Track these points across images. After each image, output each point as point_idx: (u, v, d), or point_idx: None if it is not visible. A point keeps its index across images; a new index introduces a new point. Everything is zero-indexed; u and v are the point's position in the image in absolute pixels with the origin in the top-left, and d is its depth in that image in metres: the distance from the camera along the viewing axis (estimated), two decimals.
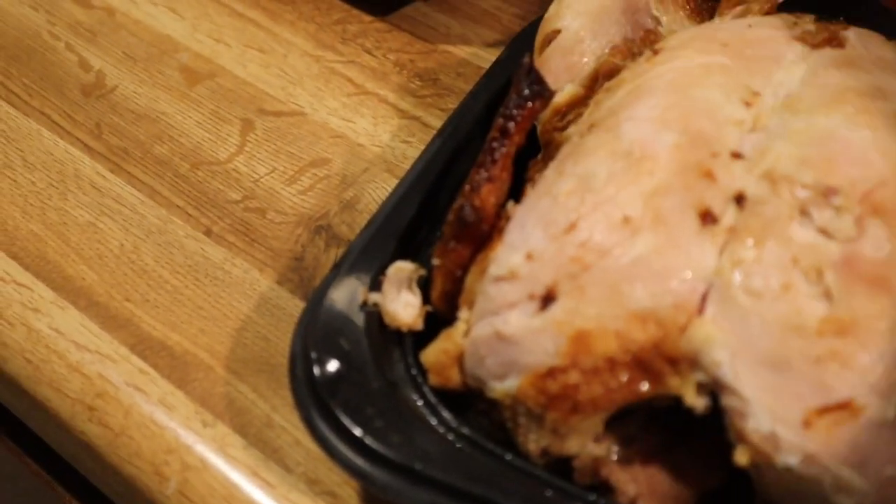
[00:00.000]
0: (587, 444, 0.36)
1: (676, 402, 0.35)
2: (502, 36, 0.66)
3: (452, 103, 0.59)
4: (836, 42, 0.41)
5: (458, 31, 0.66)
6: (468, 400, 0.39)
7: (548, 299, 0.34)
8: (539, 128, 0.45)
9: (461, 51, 0.65)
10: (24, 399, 0.47)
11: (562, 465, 0.37)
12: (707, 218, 0.34)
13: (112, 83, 0.60)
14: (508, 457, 0.36)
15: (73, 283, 0.49)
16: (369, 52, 0.64)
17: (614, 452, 0.37)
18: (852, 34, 0.41)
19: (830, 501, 0.31)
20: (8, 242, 0.50)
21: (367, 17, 0.66)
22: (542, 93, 0.39)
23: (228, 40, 0.63)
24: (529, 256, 0.35)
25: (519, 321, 0.35)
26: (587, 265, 0.34)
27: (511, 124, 0.38)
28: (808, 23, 0.42)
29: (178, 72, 0.61)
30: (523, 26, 0.62)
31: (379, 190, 0.54)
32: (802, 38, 0.41)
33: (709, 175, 0.35)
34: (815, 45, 0.41)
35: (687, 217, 0.34)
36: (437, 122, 0.58)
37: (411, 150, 0.56)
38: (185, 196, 0.53)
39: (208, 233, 0.52)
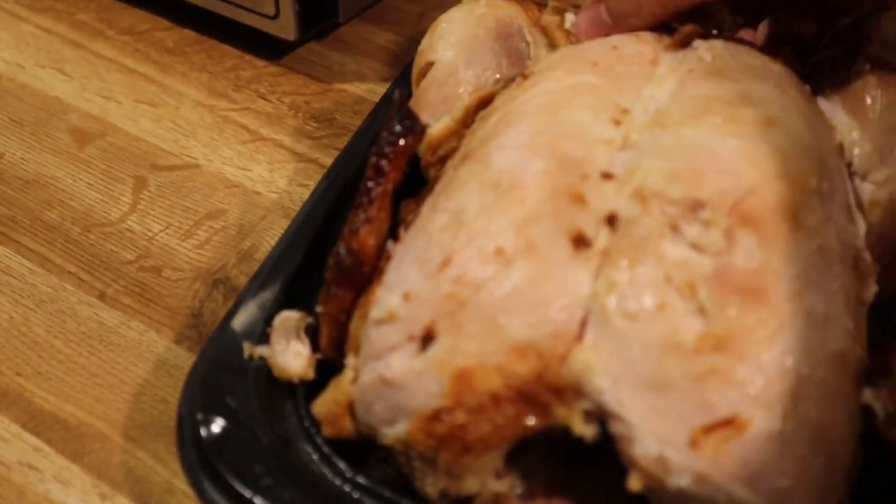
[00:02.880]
0: (487, 481, 0.35)
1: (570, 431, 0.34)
2: (398, 70, 0.65)
3: None
4: (696, 37, 0.41)
5: (353, 68, 0.66)
6: (368, 448, 0.38)
7: (427, 339, 0.34)
8: (422, 163, 0.44)
9: (357, 88, 0.64)
10: None
11: None
12: (580, 242, 0.34)
13: None
14: (405, 502, 0.35)
15: None
16: (263, 98, 0.63)
17: (517, 487, 0.36)
18: (719, 43, 0.41)
19: None
20: None
21: (261, 62, 0.66)
22: (414, 128, 0.38)
23: (119, 97, 0.62)
24: (407, 297, 0.34)
25: (401, 364, 0.34)
26: (463, 301, 0.33)
27: (384, 162, 0.38)
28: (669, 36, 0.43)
29: (67, 134, 0.60)
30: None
31: (277, 237, 0.52)
32: (669, 46, 0.41)
33: (579, 198, 0.34)
34: (678, 44, 0.40)
35: (559, 243, 0.33)
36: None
37: (308, 194, 0.55)
38: (77, 261, 0.52)
39: (102, 297, 0.50)
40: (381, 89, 0.63)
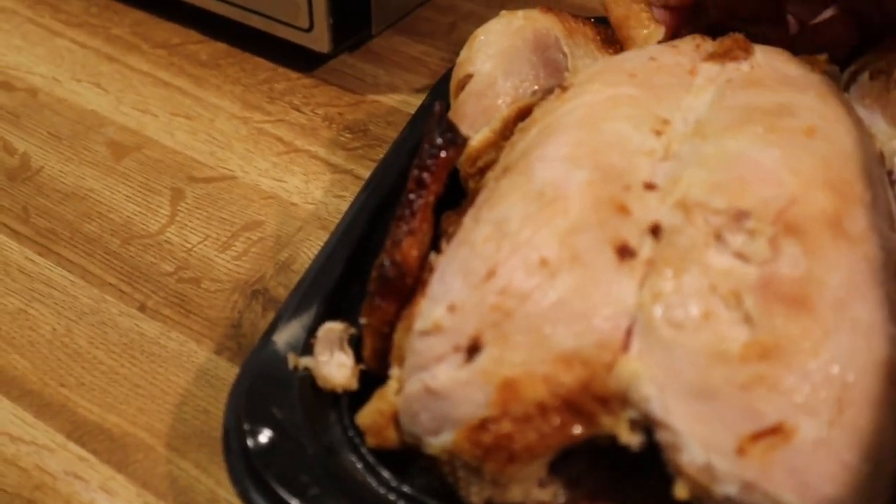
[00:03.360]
0: (531, 490, 0.36)
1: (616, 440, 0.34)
2: (431, 81, 0.66)
3: (383, 153, 0.59)
4: (739, 51, 0.41)
5: (386, 79, 0.66)
6: (411, 457, 0.38)
7: (473, 350, 0.34)
8: (461, 174, 0.45)
9: (390, 99, 0.65)
10: None
11: None
12: (624, 252, 0.34)
13: (37, 164, 0.59)
14: None
15: (4, 372, 0.48)
16: (297, 109, 0.64)
17: (560, 496, 0.36)
18: (759, 52, 0.42)
19: None
20: None
21: (294, 74, 0.67)
22: (455, 140, 0.39)
23: (154, 110, 0.63)
24: (452, 308, 0.35)
25: (447, 374, 0.34)
26: (509, 312, 0.33)
27: (426, 175, 0.38)
28: (710, 44, 0.43)
29: (104, 147, 0.61)
30: (448, 69, 0.63)
31: (314, 248, 0.54)
32: (708, 58, 0.41)
33: (623, 209, 0.35)
34: (720, 58, 0.41)
35: (604, 253, 0.34)
36: (369, 174, 0.57)
37: (345, 205, 0.56)
38: (117, 273, 0.53)
39: (142, 308, 0.51)
40: (413, 100, 0.64)
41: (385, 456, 0.38)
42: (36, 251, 0.54)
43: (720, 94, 0.39)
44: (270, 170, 0.59)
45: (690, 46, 0.42)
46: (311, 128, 0.62)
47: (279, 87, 0.65)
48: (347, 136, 0.62)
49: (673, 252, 0.34)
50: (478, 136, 0.44)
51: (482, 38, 0.46)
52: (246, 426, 0.37)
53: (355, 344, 0.40)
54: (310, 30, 0.63)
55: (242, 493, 0.36)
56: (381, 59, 0.68)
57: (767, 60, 0.41)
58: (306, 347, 0.40)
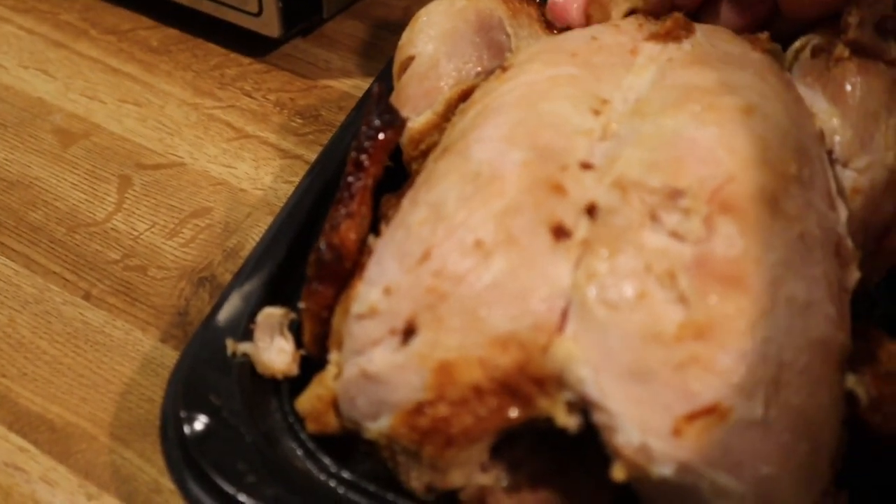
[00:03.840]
0: (472, 474, 0.35)
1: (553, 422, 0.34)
2: (383, 65, 0.65)
3: None
4: (680, 30, 0.40)
5: (339, 64, 0.66)
6: (352, 442, 0.38)
7: (408, 333, 0.33)
8: (404, 157, 0.44)
9: (343, 84, 0.64)
10: None
11: (450, 499, 0.36)
12: (560, 233, 0.33)
13: None
14: (391, 497, 0.35)
15: None
16: (249, 95, 0.63)
17: (502, 479, 0.36)
18: (699, 31, 0.41)
19: None
20: None
21: (246, 60, 0.65)
22: (393, 122, 0.38)
23: (103, 97, 0.62)
24: (387, 291, 0.34)
25: (383, 358, 0.34)
26: (444, 294, 0.33)
27: (364, 157, 0.37)
28: (652, 24, 0.42)
29: (51, 134, 0.59)
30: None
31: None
32: (650, 37, 0.41)
33: (559, 189, 0.34)
34: (662, 38, 0.40)
35: (539, 234, 0.33)
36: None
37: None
38: (62, 261, 0.52)
39: (87, 297, 0.50)
40: (366, 85, 0.63)
41: (326, 442, 0.37)
42: None
43: (661, 73, 0.38)
44: (220, 156, 0.58)
45: (633, 26, 0.42)
46: (263, 113, 0.61)
47: (230, 73, 0.64)
48: (299, 121, 0.61)
49: (608, 232, 0.33)
50: (420, 118, 0.43)
51: (424, 18, 0.45)
52: (182, 413, 0.37)
53: (296, 329, 0.40)
54: (259, 14, 0.62)
55: (179, 482, 0.35)
56: (333, 43, 0.67)
57: (708, 39, 0.40)
58: (246, 333, 0.40)
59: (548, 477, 0.36)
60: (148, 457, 0.43)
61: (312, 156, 0.58)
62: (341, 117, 0.61)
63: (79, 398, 0.45)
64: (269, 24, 0.62)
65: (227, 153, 0.58)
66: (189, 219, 0.54)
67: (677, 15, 0.42)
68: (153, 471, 0.43)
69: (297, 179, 0.56)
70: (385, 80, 0.53)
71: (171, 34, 0.68)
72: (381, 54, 0.67)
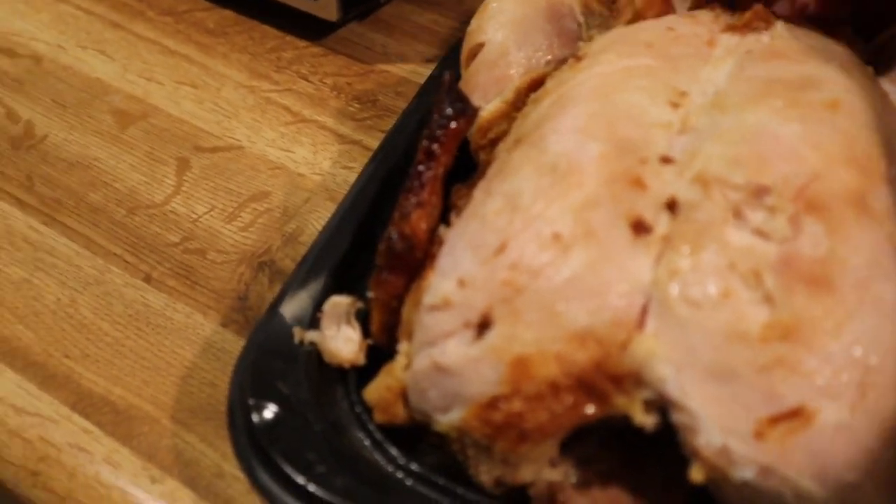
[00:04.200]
0: (542, 469, 0.35)
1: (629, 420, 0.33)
2: (441, 50, 0.64)
3: (392, 124, 0.58)
4: (760, 22, 0.39)
5: (396, 49, 0.65)
6: (419, 434, 0.38)
7: (483, 326, 0.33)
8: (472, 146, 0.43)
9: (399, 69, 0.63)
10: None
11: (519, 494, 0.36)
12: (640, 228, 0.33)
13: (42, 132, 0.58)
14: (460, 490, 0.35)
15: (8, 343, 0.47)
16: (305, 79, 0.62)
17: (572, 476, 0.35)
18: (780, 24, 0.40)
19: None
20: None
21: (302, 43, 0.65)
22: (465, 111, 0.37)
23: (160, 78, 0.62)
24: (461, 283, 0.34)
25: (456, 351, 0.33)
26: (520, 288, 0.32)
27: (435, 146, 0.37)
28: (729, 15, 0.41)
29: (109, 115, 0.59)
30: (462, 38, 0.61)
31: (321, 220, 0.52)
32: (727, 29, 0.40)
33: (638, 183, 0.33)
34: (740, 29, 0.39)
35: (618, 228, 0.33)
36: (377, 145, 0.56)
37: (353, 176, 0.54)
38: (122, 243, 0.52)
39: (148, 279, 0.50)
40: (423, 70, 0.63)
41: (392, 433, 0.37)
42: (41, 220, 0.53)
43: (740, 65, 0.38)
44: (278, 140, 0.58)
45: (709, 17, 0.41)
46: (320, 97, 0.61)
47: (287, 56, 0.64)
48: (356, 106, 0.60)
49: (690, 228, 0.32)
50: (489, 106, 0.42)
51: (494, 5, 0.44)
52: (251, 401, 0.37)
53: (362, 318, 0.39)
54: None
55: (247, 470, 0.35)
56: (390, 27, 0.67)
57: (789, 31, 0.39)
58: (313, 321, 0.39)
59: (618, 474, 0.36)
60: (210, 441, 0.43)
61: (371, 141, 0.57)
62: (399, 103, 0.60)
63: (141, 381, 0.46)
64: (328, 8, 0.62)
65: (284, 137, 0.58)
66: (247, 203, 0.54)
67: (758, 6, 0.41)
68: (215, 455, 0.43)
69: (355, 165, 0.56)
70: (446, 67, 0.53)
71: (228, 16, 0.67)
72: (437, 39, 0.66)
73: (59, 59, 0.63)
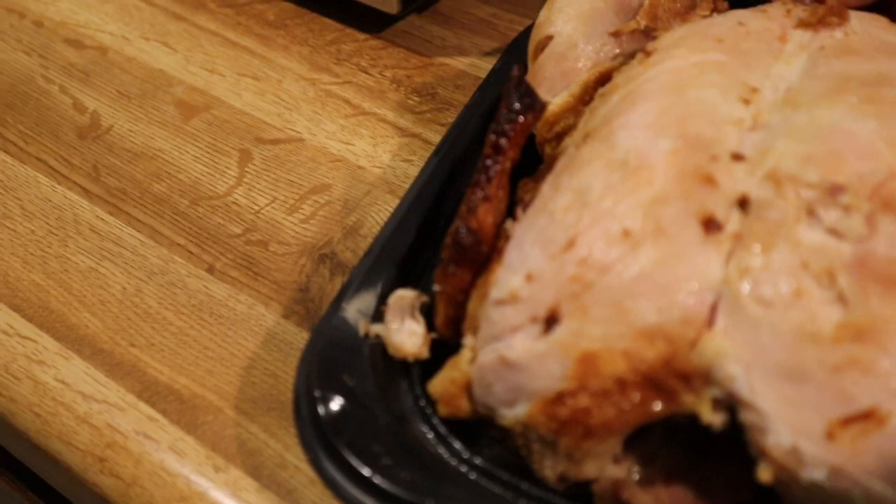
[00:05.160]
0: (606, 466, 0.35)
1: (696, 418, 0.34)
2: (500, 44, 0.65)
3: (452, 117, 0.59)
4: (833, 17, 0.39)
5: (454, 42, 0.65)
6: (481, 428, 0.38)
7: (551, 321, 0.33)
8: (537, 139, 0.44)
9: (458, 62, 0.64)
10: (36, 453, 0.47)
11: (581, 490, 0.36)
12: (710, 225, 0.33)
13: (107, 123, 0.60)
14: (524, 486, 0.35)
15: (76, 331, 0.48)
16: (365, 71, 0.63)
17: (635, 472, 0.36)
18: (854, 19, 0.40)
19: None
20: (10, 294, 0.50)
21: (361, 35, 0.66)
22: (534, 105, 0.38)
23: (222, 70, 0.63)
24: (529, 277, 0.34)
25: (523, 345, 0.34)
26: (589, 283, 0.33)
27: (503, 140, 0.37)
28: (801, 9, 0.41)
29: (173, 106, 0.61)
30: (520, 32, 0.62)
31: (382, 213, 0.53)
32: (800, 24, 0.40)
33: (709, 180, 0.34)
34: (813, 25, 0.39)
35: (689, 226, 0.33)
36: (437, 138, 0.57)
37: (413, 169, 0.56)
38: (186, 233, 0.53)
39: (211, 270, 0.51)
40: (482, 63, 0.63)
41: (455, 426, 0.38)
42: (107, 210, 0.54)
43: (812, 61, 0.37)
44: (338, 132, 0.58)
45: (780, 12, 0.41)
46: (379, 90, 0.61)
47: (347, 49, 0.65)
48: (415, 99, 0.61)
49: (762, 226, 0.33)
50: (556, 100, 0.43)
51: None
52: (317, 393, 0.37)
53: (427, 312, 0.40)
54: None
55: (314, 461, 0.36)
56: (449, 20, 0.67)
57: (864, 27, 0.39)
58: (377, 314, 0.40)
59: (681, 472, 0.36)
60: (272, 431, 0.44)
61: (430, 134, 0.58)
62: (458, 96, 0.61)
63: (204, 370, 0.47)
64: (388, 1, 0.63)
65: (344, 129, 0.59)
66: (308, 195, 0.55)
67: (832, 1, 0.40)
68: (278, 446, 0.43)
69: (415, 158, 0.56)
70: (506, 60, 0.53)
71: (287, 8, 0.68)
72: (496, 32, 0.66)
73: (123, 51, 0.65)
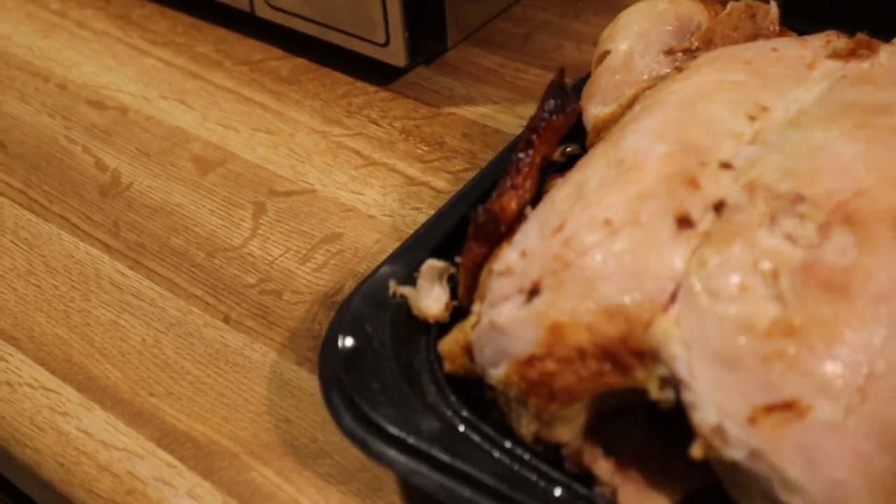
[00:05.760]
0: (576, 432, 0.43)
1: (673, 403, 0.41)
2: (507, 92, 0.75)
3: (460, 165, 0.69)
4: (864, 49, 0.48)
5: (462, 91, 0.76)
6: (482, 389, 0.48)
7: (533, 293, 0.42)
8: (587, 144, 0.54)
9: (466, 111, 0.73)
10: (60, 501, 0.53)
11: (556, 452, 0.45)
12: (684, 222, 0.42)
13: (127, 180, 0.70)
14: (499, 439, 0.44)
15: (98, 382, 0.55)
16: (375, 123, 0.73)
17: (605, 444, 0.44)
18: (885, 52, 0.48)
19: (781, 501, 0.36)
20: (35, 349, 0.58)
21: (371, 88, 0.76)
22: (564, 107, 0.49)
23: (237, 125, 0.74)
24: (523, 254, 0.43)
25: (509, 312, 0.43)
26: (568, 262, 0.42)
27: (534, 136, 0.48)
28: (841, 41, 0.50)
29: (190, 162, 0.71)
30: (527, 80, 0.74)
31: None
32: (833, 55, 0.48)
33: (693, 182, 0.43)
34: (844, 57, 0.48)
35: (664, 221, 0.42)
36: (445, 186, 0.67)
37: (421, 217, 0.65)
38: (203, 285, 0.62)
39: (227, 319, 0.59)
40: (489, 112, 0.73)
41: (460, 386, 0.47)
42: (126, 265, 0.63)
43: (830, 89, 0.46)
44: (349, 183, 0.68)
45: (820, 42, 0.50)
46: (389, 141, 0.71)
47: (357, 101, 0.74)
48: (424, 148, 0.70)
49: (729, 228, 0.41)
50: (606, 108, 0.53)
51: (625, 18, 0.56)
52: (339, 335, 0.48)
53: (453, 283, 0.50)
54: (386, 44, 0.72)
55: (322, 387, 0.47)
56: (456, 71, 0.77)
57: (890, 61, 0.47)
58: (407, 279, 0.51)
59: (649, 452, 0.44)
60: (286, 475, 0.50)
61: (439, 182, 0.67)
62: (466, 144, 0.70)
63: (220, 417, 0.53)
64: (396, 54, 0.73)
65: (355, 180, 0.68)
66: (320, 244, 0.63)
67: (861, 35, 0.49)
68: (292, 489, 0.49)
69: (424, 206, 0.66)
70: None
71: (300, 64, 0.79)
72: (503, 81, 0.77)
73: (142, 110, 0.76)
